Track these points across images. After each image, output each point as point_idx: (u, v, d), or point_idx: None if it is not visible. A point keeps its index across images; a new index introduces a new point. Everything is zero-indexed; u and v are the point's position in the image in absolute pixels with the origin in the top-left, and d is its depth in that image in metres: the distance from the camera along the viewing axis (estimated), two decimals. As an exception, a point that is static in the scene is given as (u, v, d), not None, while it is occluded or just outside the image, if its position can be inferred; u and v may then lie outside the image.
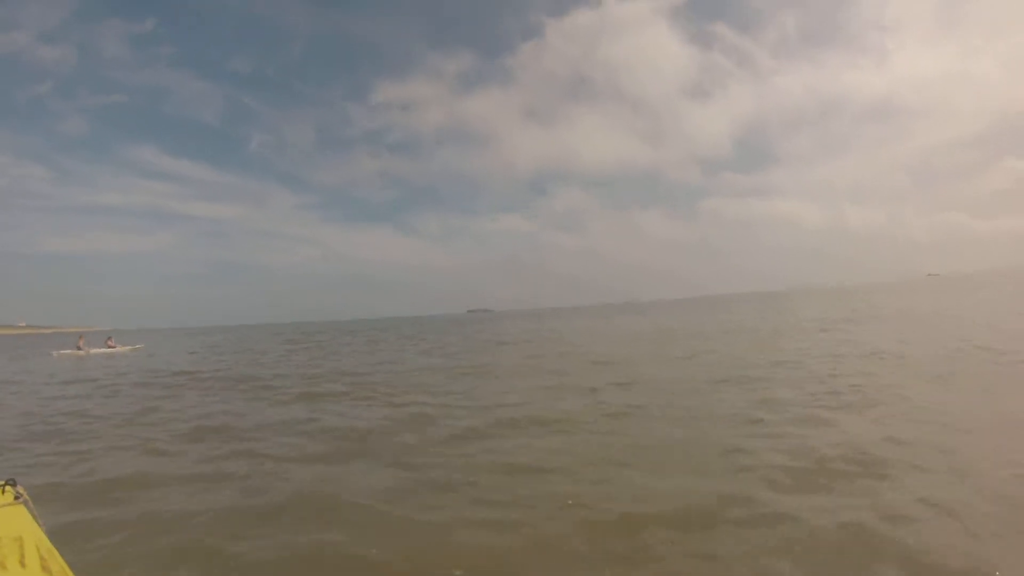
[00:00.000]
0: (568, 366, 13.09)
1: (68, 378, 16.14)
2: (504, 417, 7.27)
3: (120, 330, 39.07)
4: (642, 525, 3.62)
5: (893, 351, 11.12)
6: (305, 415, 8.24)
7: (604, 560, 3.23)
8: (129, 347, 30.72)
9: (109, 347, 28.70)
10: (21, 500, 1.56)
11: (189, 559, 3.50)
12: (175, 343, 39.82)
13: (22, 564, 1.12)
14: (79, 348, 27.02)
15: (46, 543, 1.17)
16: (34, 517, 1.41)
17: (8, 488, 1.60)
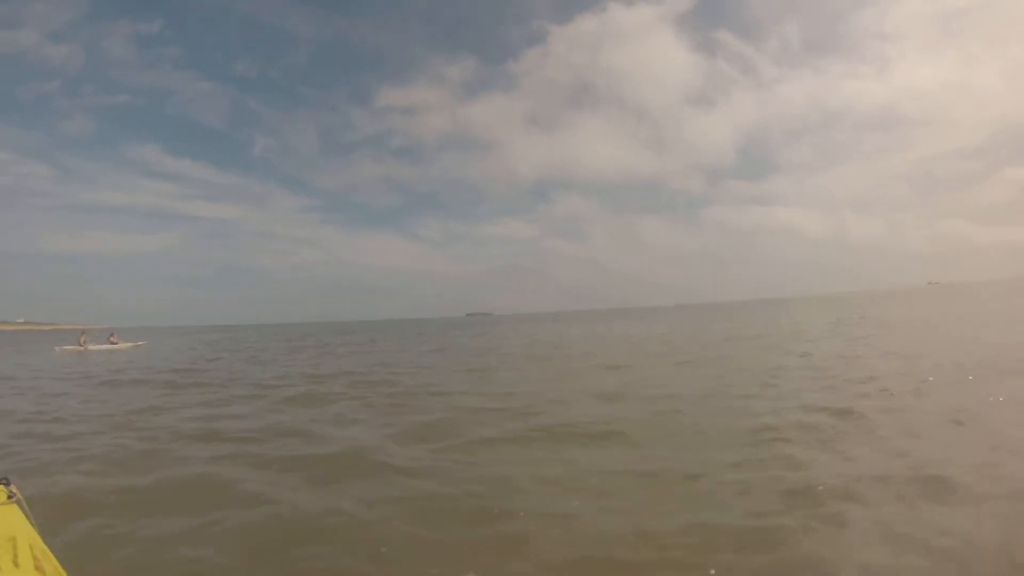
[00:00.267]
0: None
1: (64, 374, 16.14)
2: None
3: (119, 328, 38.80)
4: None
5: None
6: (303, 418, 8.18)
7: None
8: (131, 344, 30.65)
9: (112, 343, 28.61)
10: (14, 500, 1.51)
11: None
12: (176, 341, 39.84)
13: (15, 564, 1.10)
14: (81, 344, 27.06)
15: (40, 543, 1.16)
16: (27, 517, 1.38)
17: (1, 487, 1.55)
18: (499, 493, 4.42)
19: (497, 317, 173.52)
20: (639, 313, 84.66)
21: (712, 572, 3.04)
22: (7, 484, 1.56)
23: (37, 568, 1.06)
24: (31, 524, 1.31)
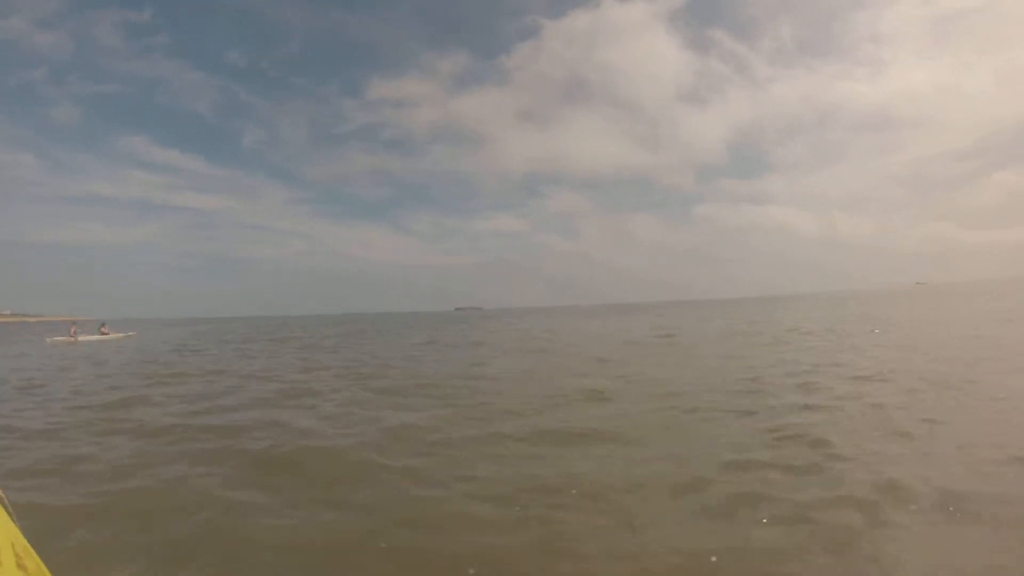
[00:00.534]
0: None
1: (61, 364, 15.98)
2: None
3: (108, 320, 38.98)
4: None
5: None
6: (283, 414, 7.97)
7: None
8: (122, 334, 31.64)
9: (103, 333, 29.36)
10: (-6, 497, 1.44)
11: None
12: (164, 333, 39.61)
13: None
14: (72, 335, 27.17)
15: (22, 540, 1.12)
16: (9, 514, 1.30)
17: None
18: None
19: (487, 312, 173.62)
20: (630, 309, 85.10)
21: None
22: None
23: (19, 566, 1.03)
24: (13, 522, 1.24)
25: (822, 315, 30.54)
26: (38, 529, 1.51)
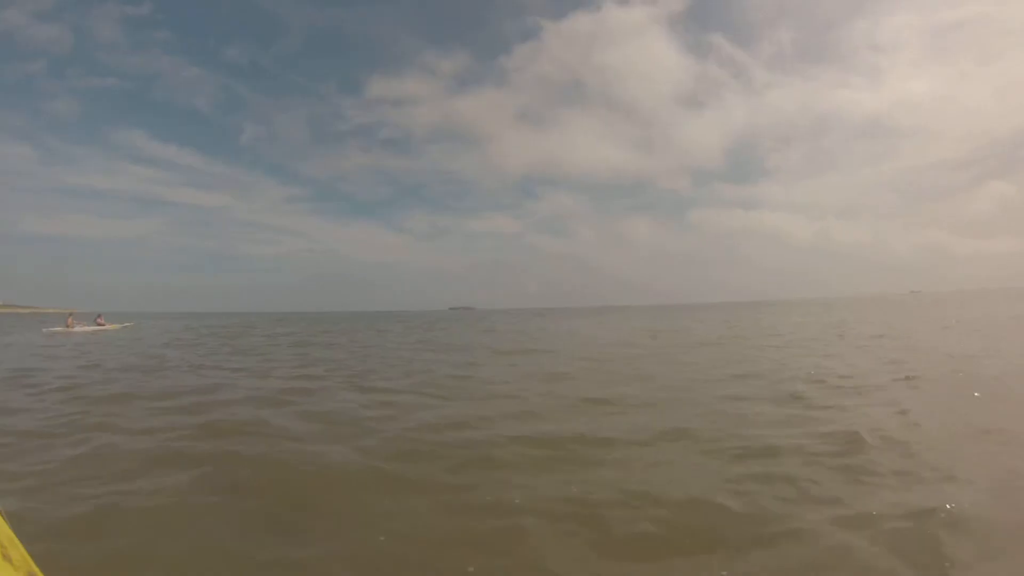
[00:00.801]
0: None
1: (63, 354, 16.41)
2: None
3: (103, 312, 38.28)
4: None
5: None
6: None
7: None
8: (118, 325, 31.50)
9: (99, 324, 29.34)
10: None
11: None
12: (160, 325, 39.61)
13: None
14: (68, 326, 27.33)
15: (8, 532, 1.10)
16: None
17: None
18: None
19: (480, 312, 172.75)
20: (623, 312, 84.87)
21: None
22: None
23: (4, 557, 1.01)
24: None
25: (812, 320, 30.78)
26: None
